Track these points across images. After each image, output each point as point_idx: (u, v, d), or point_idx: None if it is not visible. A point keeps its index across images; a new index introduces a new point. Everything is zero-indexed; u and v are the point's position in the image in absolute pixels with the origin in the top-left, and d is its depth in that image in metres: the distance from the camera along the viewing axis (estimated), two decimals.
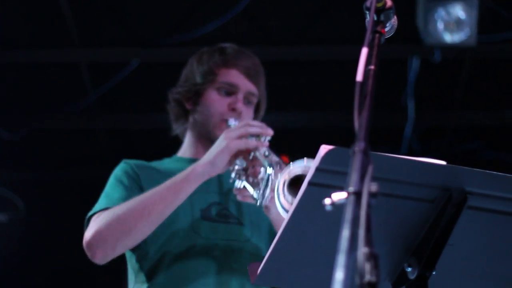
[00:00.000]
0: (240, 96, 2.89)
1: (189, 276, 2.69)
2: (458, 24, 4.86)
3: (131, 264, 2.80)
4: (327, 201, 1.39)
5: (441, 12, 4.86)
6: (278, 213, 2.43)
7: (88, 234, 2.61)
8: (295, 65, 5.55)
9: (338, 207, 1.38)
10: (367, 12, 1.73)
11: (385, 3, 1.75)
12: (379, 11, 1.74)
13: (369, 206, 1.36)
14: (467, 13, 4.84)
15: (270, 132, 2.72)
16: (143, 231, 2.61)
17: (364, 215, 1.34)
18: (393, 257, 1.85)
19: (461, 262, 1.90)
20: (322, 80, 5.59)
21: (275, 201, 2.40)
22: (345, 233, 1.31)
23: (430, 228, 1.82)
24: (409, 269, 1.84)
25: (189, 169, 2.64)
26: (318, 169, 1.69)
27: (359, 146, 1.44)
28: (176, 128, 3.03)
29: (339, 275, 1.27)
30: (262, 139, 2.70)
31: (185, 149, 2.99)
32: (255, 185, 2.66)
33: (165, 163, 2.95)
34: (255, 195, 2.63)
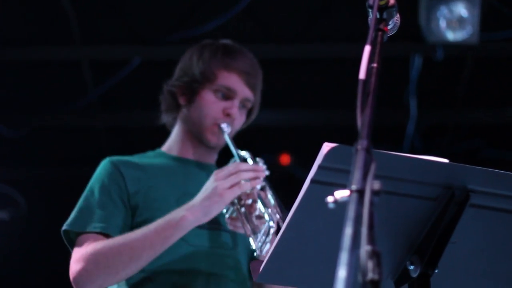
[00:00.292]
0: (237, 102, 2.84)
1: (176, 284, 2.68)
2: (460, 22, 4.86)
3: None
4: (329, 199, 1.39)
5: (443, 10, 4.85)
6: None
7: (75, 268, 2.60)
8: (297, 63, 5.55)
9: (341, 205, 1.38)
10: (370, 10, 1.72)
11: (388, 1, 1.74)
12: (381, 9, 1.73)
13: (371, 204, 1.35)
14: (469, 11, 4.84)
15: (263, 174, 2.67)
16: (131, 272, 2.60)
17: (367, 213, 1.34)
18: (396, 255, 1.85)
19: (463, 260, 1.90)
20: (324, 78, 5.58)
21: None
22: (348, 231, 1.31)
23: (433, 226, 1.81)
24: (412, 267, 1.84)
25: (179, 215, 2.58)
26: (320, 167, 1.69)
27: (361, 144, 1.44)
28: (165, 118, 2.97)
29: (341, 273, 1.26)
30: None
31: (172, 145, 2.94)
32: (246, 217, 2.64)
33: (149, 157, 2.90)
34: (253, 245, 2.60)
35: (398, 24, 1.78)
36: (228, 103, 2.84)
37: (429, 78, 5.45)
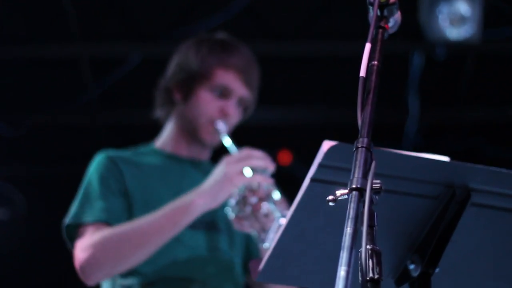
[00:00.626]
0: (233, 101, 2.83)
1: (170, 285, 2.67)
2: (462, 20, 4.85)
3: None
4: (329, 197, 1.38)
5: (444, 8, 4.84)
6: None
7: (82, 256, 2.56)
8: (297, 60, 5.54)
9: (341, 204, 1.37)
10: (370, 7, 1.71)
11: None
12: (382, 6, 1.72)
13: (371, 202, 1.35)
14: (471, 10, 4.83)
15: (272, 166, 2.66)
16: (139, 258, 2.57)
17: (367, 211, 1.34)
18: (396, 254, 1.84)
19: (464, 259, 1.89)
20: (324, 76, 5.58)
21: None
22: (348, 230, 1.30)
23: (433, 225, 1.80)
24: (412, 266, 1.83)
25: (188, 200, 2.57)
26: (320, 165, 1.68)
27: (362, 142, 1.43)
28: (158, 113, 2.95)
29: (342, 272, 1.26)
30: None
31: (165, 141, 2.91)
32: (252, 216, 2.62)
33: (143, 155, 2.88)
34: (261, 244, 2.59)
35: (399, 21, 1.76)
36: (225, 102, 2.82)
37: (430, 77, 5.45)
